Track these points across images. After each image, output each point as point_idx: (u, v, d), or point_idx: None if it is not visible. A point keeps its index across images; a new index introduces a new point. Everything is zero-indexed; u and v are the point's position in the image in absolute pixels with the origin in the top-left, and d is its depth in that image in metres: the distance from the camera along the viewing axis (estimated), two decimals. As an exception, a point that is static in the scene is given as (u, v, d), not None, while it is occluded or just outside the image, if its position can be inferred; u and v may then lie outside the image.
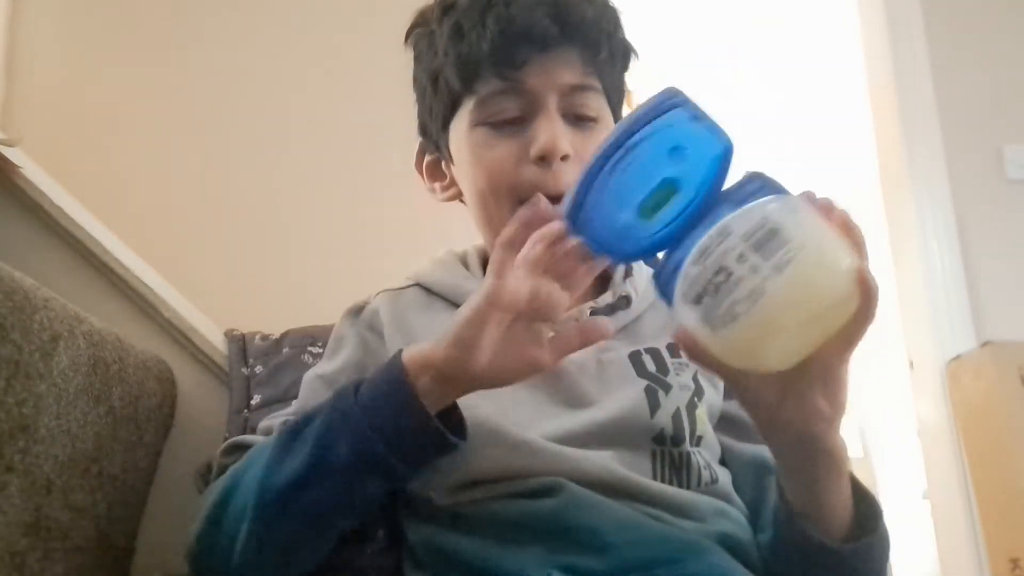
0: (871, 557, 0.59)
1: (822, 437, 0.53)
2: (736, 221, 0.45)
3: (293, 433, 0.62)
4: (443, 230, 0.99)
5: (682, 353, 0.52)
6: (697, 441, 0.70)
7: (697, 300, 0.45)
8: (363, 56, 1.62)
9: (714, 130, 0.49)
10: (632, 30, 0.79)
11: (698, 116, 0.48)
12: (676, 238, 0.49)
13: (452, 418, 0.61)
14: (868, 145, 2.27)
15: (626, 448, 0.67)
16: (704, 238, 0.45)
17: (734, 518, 0.68)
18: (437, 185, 0.82)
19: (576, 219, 0.48)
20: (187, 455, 1.00)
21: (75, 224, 1.04)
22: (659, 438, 0.68)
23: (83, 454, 0.80)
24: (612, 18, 0.74)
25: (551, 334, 0.58)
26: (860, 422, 4.99)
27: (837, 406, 0.52)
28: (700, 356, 0.51)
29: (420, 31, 0.78)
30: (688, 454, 0.68)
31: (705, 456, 0.70)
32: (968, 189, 1.97)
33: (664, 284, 0.49)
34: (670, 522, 0.64)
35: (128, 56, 1.67)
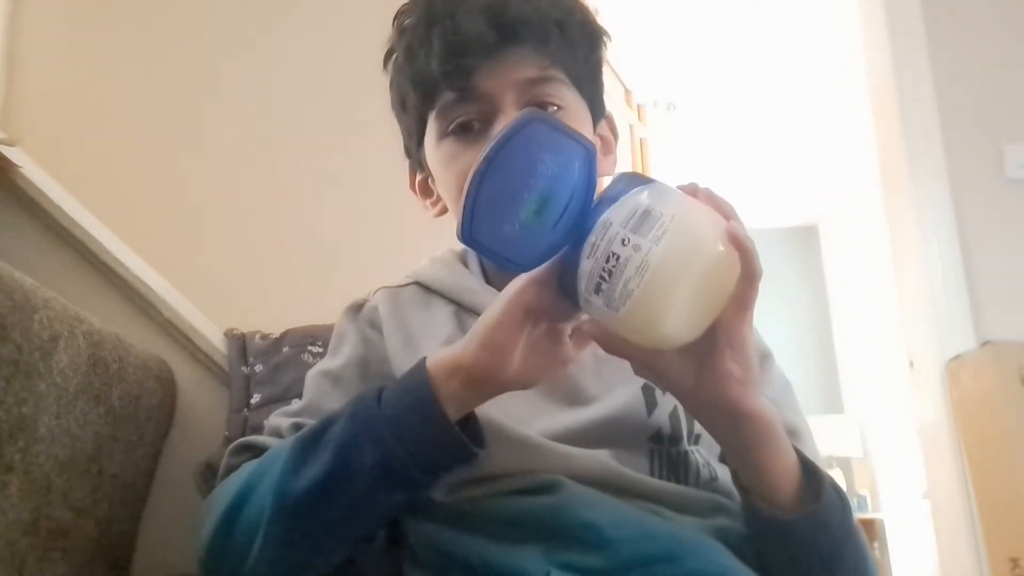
0: (825, 527, 0.58)
1: (740, 400, 0.54)
2: (613, 213, 0.50)
3: (312, 439, 0.61)
4: (442, 230, 0.99)
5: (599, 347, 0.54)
6: (695, 440, 0.70)
7: (597, 290, 0.50)
8: (364, 57, 1.62)
9: (574, 137, 0.53)
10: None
11: (557, 127, 0.53)
12: (566, 242, 0.53)
13: (470, 426, 0.61)
14: (868, 145, 2.28)
15: (623, 447, 0.67)
16: (590, 236, 0.51)
17: (733, 513, 0.68)
18: (428, 202, 0.84)
19: (473, 241, 0.52)
20: (187, 454, 1.00)
21: (75, 224, 1.04)
22: (656, 437, 0.68)
23: (83, 454, 0.80)
24: (562, 7, 0.74)
25: (569, 330, 0.59)
26: (860, 422, 4.99)
27: (748, 369, 0.53)
28: (614, 346, 0.54)
29: (391, 58, 0.80)
30: (686, 452, 0.69)
31: (704, 454, 0.70)
32: (968, 189, 1.97)
33: (568, 289, 0.53)
34: (670, 517, 0.64)
35: (128, 56, 1.67)
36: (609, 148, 0.83)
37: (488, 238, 0.52)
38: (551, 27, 0.72)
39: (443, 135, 0.74)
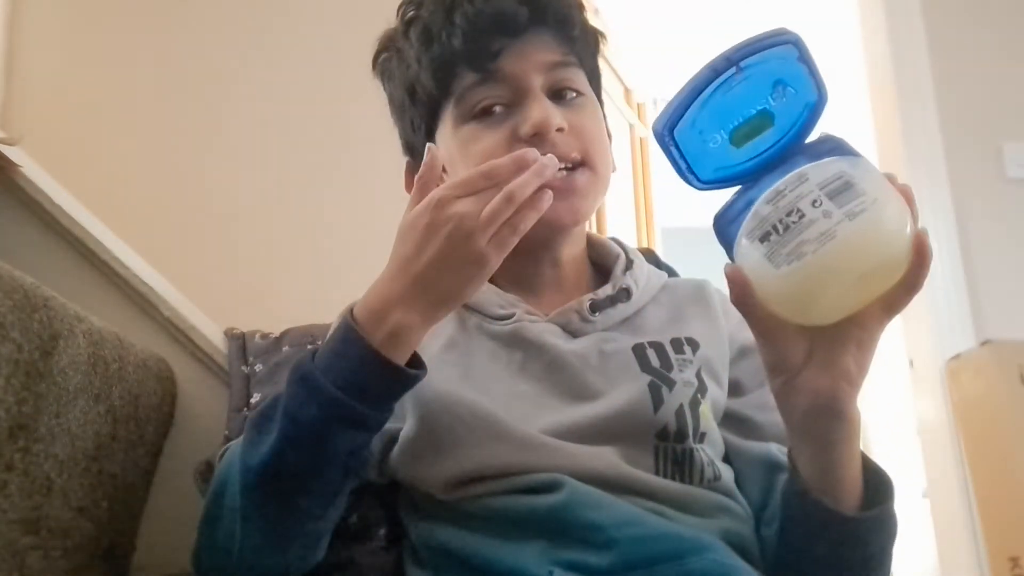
0: (883, 528, 0.59)
1: (844, 399, 0.53)
2: (813, 170, 0.47)
3: (264, 414, 0.62)
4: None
5: (730, 294, 0.53)
6: (700, 438, 0.70)
7: (764, 238, 0.47)
8: (363, 57, 1.62)
9: (816, 77, 0.50)
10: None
11: (806, 59, 0.50)
12: (751, 178, 0.50)
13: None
14: (868, 145, 2.27)
15: (628, 444, 0.67)
16: (780, 181, 0.48)
17: (737, 514, 0.67)
18: None
19: (673, 128, 0.49)
20: (187, 454, 1.00)
21: (75, 223, 1.03)
22: (662, 434, 0.68)
23: (83, 453, 0.80)
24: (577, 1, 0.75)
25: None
26: (860, 422, 4.98)
27: (863, 371, 0.53)
28: (747, 300, 0.52)
29: (386, 55, 0.79)
30: (691, 450, 0.68)
31: (708, 453, 0.70)
32: (968, 188, 1.97)
33: (728, 222, 0.50)
34: (673, 517, 0.64)
35: (128, 55, 1.67)
36: None
37: (683, 137, 0.49)
38: (574, 12, 0.73)
39: (464, 120, 0.72)
